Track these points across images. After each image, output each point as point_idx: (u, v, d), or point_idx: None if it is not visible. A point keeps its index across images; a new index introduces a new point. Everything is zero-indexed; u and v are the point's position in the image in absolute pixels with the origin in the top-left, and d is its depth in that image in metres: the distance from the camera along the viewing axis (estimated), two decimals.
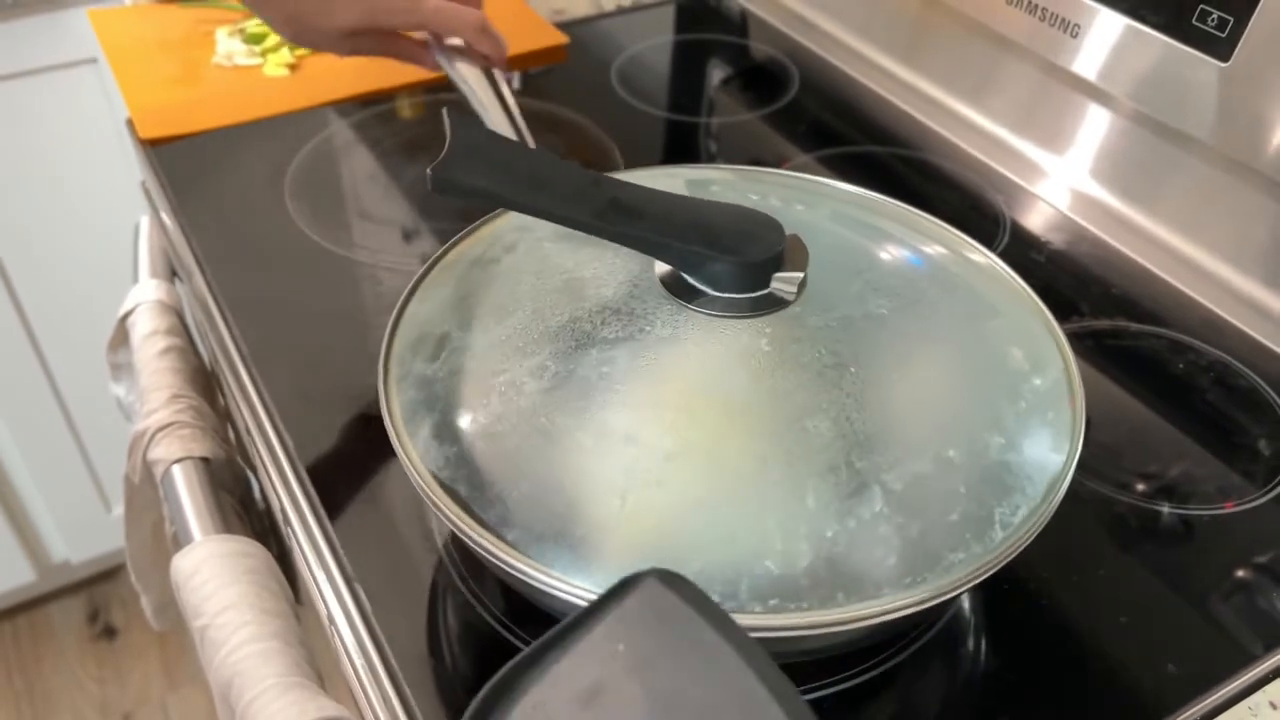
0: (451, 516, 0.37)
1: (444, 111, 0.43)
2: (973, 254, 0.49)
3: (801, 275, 0.42)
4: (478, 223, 0.49)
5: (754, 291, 0.41)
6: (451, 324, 0.43)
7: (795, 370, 0.39)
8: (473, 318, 0.43)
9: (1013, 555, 0.37)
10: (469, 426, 0.39)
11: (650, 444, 0.37)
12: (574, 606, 0.35)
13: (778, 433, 0.37)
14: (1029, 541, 0.37)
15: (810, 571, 0.35)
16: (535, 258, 0.45)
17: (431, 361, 0.42)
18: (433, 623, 0.46)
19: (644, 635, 0.29)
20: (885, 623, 0.35)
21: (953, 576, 0.36)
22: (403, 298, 0.46)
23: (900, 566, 0.35)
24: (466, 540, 0.37)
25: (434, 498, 0.38)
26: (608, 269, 0.43)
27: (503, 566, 0.36)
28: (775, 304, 0.41)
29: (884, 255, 0.47)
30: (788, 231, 0.43)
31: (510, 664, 0.29)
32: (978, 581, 0.36)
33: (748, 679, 0.27)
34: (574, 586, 0.35)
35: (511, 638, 0.44)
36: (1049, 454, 0.40)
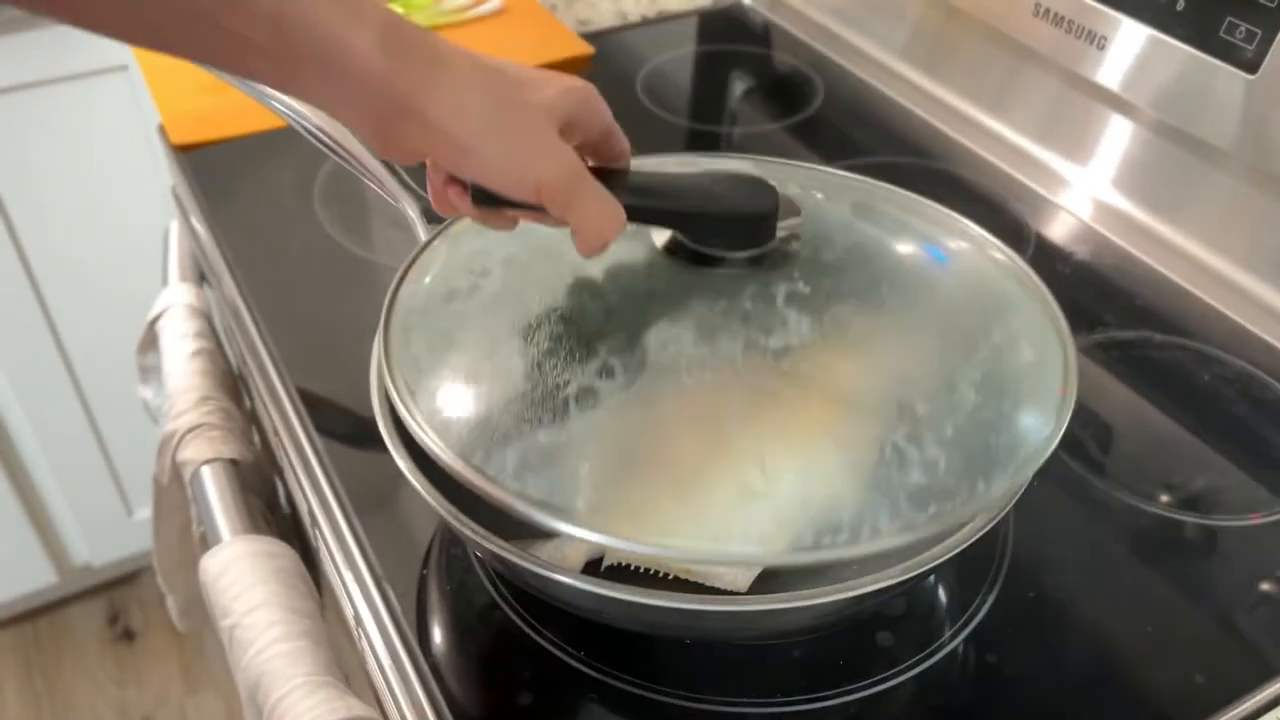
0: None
1: None
2: (993, 251, 0.49)
3: (799, 220, 0.44)
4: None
5: (762, 244, 0.43)
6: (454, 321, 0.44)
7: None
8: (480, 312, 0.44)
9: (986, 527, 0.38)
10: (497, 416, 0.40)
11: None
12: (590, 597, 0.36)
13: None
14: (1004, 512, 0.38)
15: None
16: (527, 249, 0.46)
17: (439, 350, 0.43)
18: (462, 624, 0.46)
19: None
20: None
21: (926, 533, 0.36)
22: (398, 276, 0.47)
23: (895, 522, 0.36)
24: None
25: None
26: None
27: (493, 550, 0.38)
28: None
29: (902, 243, 0.47)
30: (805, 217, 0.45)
31: None
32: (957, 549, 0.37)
33: None
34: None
35: (540, 639, 0.45)
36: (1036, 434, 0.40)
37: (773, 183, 0.50)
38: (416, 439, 0.39)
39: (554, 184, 0.37)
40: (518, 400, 0.39)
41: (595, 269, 0.43)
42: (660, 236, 0.44)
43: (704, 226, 0.42)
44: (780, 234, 0.43)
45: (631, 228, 0.41)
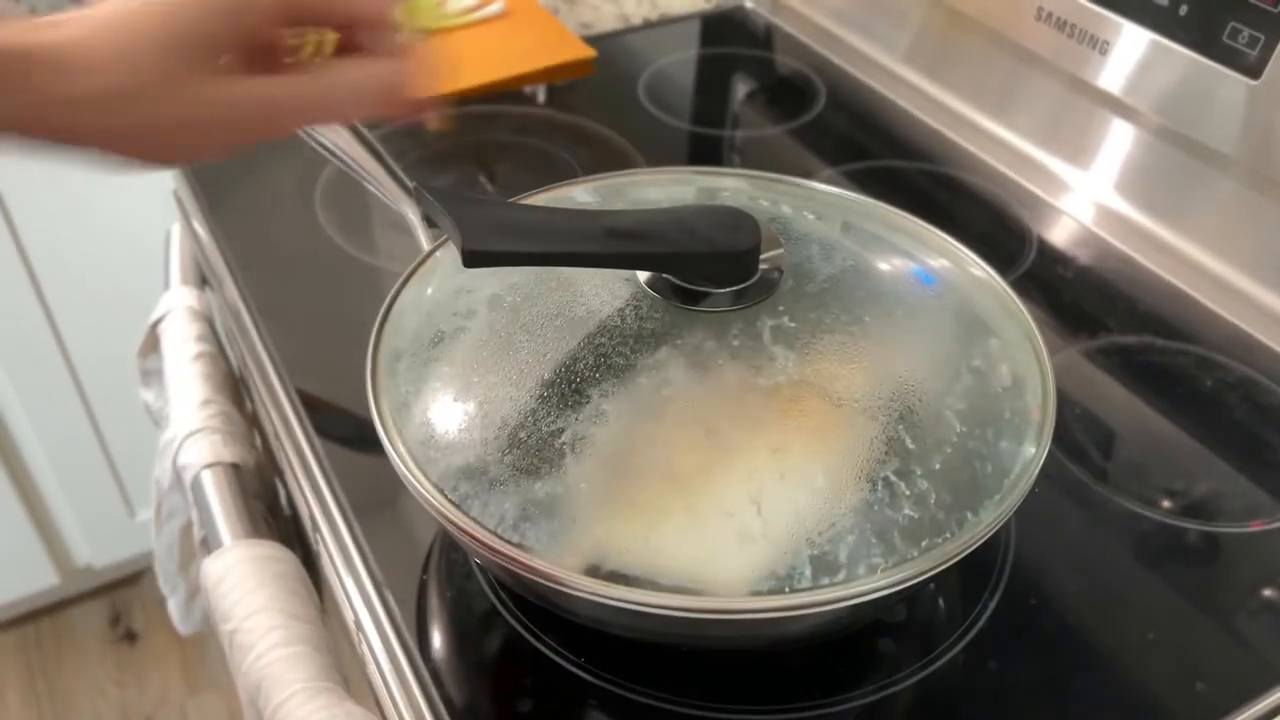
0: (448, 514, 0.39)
1: (415, 189, 0.46)
2: (973, 269, 0.49)
3: (781, 251, 0.45)
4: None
5: (745, 279, 0.43)
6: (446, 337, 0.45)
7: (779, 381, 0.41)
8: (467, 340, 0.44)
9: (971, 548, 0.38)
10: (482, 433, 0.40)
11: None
12: (592, 605, 0.36)
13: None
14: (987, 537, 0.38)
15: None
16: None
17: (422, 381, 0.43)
18: (462, 629, 0.46)
19: None
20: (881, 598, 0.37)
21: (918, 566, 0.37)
22: (394, 290, 0.48)
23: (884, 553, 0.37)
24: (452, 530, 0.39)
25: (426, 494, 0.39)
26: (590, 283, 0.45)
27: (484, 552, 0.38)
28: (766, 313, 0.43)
29: (884, 265, 0.48)
30: (800, 236, 0.46)
31: None
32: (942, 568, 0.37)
33: None
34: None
35: (540, 645, 0.45)
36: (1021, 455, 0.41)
37: (764, 202, 0.50)
38: (413, 492, 0.40)
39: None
40: (513, 450, 0.39)
41: (581, 308, 0.43)
42: (643, 271, 0.44)
43: (687, 267, 0.42)
44: (763, 266, 0.43)
45: None
